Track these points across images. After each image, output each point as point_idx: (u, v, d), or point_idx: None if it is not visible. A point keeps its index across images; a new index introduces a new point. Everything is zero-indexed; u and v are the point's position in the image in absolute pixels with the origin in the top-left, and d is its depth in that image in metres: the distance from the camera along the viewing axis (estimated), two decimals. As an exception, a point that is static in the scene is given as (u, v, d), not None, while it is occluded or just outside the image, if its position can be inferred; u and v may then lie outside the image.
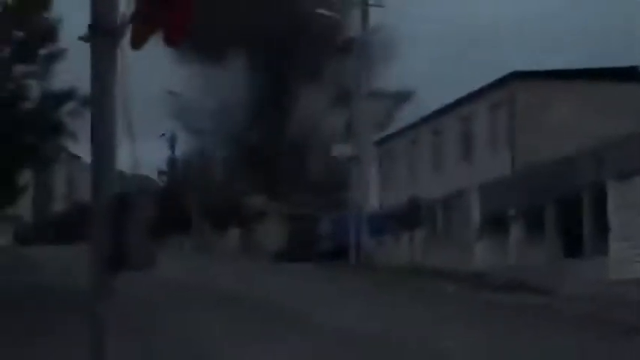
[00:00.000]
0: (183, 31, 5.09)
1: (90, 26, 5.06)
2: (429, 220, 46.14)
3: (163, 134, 64.43)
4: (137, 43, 5.24)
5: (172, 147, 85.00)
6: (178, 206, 78.15)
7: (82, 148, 32.12)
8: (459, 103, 45.17)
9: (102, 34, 4.98)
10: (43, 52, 26.71)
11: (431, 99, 60.10)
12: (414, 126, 51.23)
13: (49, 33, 26.53)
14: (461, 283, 29.61)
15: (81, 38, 5.20)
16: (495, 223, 36.05)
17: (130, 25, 5.06)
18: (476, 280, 29.97)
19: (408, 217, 42.46)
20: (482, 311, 22.65)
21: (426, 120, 49.38)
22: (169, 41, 5.14)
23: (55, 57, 26.69)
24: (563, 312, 21.82)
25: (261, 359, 13.93)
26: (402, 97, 60.36)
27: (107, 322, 4.83)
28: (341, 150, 43.89)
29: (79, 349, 5.14)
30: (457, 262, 35.99)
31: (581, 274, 26.85)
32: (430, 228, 45.65)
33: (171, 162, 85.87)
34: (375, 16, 45.96)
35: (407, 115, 52.22)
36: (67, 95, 26.81)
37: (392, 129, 53.91)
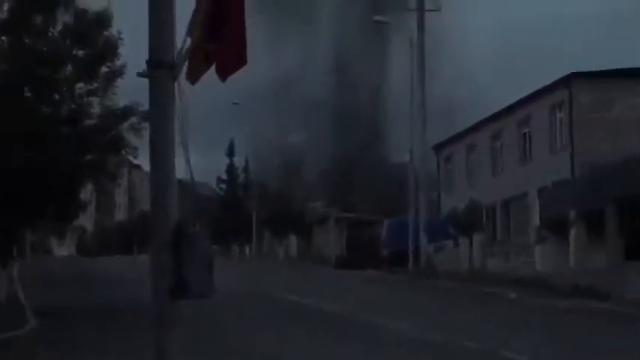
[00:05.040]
0: (237, 63, 5.25)
1: (147, 61, 5.28)
2: (489, 224, 45.92)
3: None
4: (193, 79, 5.46)
5: (231, 155, 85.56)
6: (239, 214, 78.65)
7: (143, 159, 32.55)
8: (518, 105, 44.81)
9: (159, 69, 5.19)
10: (104, 69, 27.01)
11: (489, 102, 59.31)
12: (471, 130, 50.93)
13: (110, 51, 26.83)
14: (522, 289, 29.47)
15: (140, 74, 5.42)
16: (556, 226, 35.74)
17: (186, 61, 5.26)
18: (537, 286, 29.80)
19: (468, 221, 42.34)
20: (546, 318, 22.57)
21: (484, 123, 49.08)
22: (222, 74, 5.33)
23: (115, 74, 26.98)
24: (633, 316, 21.71)
25: None
26: None
27: (171, 350, 5.03)
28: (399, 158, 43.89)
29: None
30: (517, 267, 35.80)
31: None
32: (490, 232, 45.42)
33: (231, 169, 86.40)
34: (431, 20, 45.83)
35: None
36: (128, 111, 27.13)
37: (449, 134, 53.53)
